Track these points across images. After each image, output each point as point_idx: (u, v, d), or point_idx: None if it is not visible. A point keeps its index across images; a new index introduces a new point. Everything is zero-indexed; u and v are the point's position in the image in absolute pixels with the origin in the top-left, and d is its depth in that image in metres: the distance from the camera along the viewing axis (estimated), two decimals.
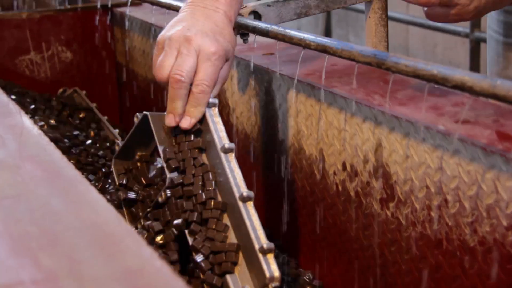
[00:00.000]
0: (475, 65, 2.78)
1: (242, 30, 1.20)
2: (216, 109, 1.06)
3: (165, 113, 1.07)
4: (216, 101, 1.07)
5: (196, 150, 1.05)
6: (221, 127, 1.04)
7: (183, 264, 1.00)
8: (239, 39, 1.21)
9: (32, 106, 1.73)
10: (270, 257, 0.90)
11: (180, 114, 1.05)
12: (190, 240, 0.98)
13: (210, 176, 1.02)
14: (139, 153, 1.17)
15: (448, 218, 0.92)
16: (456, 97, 1.02)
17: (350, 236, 1.11)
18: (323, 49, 1.02)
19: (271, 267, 0.89)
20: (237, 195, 0.96)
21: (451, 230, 0.92)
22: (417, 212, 0.97)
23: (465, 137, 0.88)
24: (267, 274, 0.89)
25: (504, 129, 0.89)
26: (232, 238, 0.97)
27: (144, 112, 1.12)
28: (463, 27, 2.79)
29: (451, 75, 0.80)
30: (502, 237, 0.84)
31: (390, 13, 1.33)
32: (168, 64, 1.04)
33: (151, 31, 1.74)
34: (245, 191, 0.96)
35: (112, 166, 1.18)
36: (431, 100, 1.01)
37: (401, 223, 1.00)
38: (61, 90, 1.87)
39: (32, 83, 1.89)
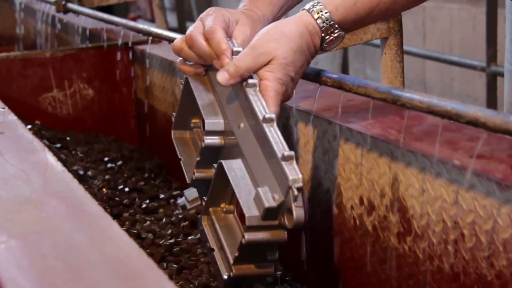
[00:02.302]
0: (492, 99, 2.79)
1: None
2: (257, 89, 1.03)
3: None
4: (256, 81, 1.02)
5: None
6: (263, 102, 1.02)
7: None
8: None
9: None
10: (292, 162, 0.93)
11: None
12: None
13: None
14: (193, 121, 1.18)
15: (465, 252, 0.93)
16: (471, 132, 1.04)
17: (367, 270, 1.12)
18: (339, 86, 1.04)
19: (293, 171, 0.92)
20: (260, 117, 0.98)
21: (468, 264, 0.92)
22: (434, 246, 0.98)
23: (480, 172, 0.89)
24: (290, 177, 0.91)
25: None
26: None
27: (186, 76, 1.13)
28: (480, 61, 2.81)
29: (465, 111, 0.82)
30: None
31: (406, 47, 1.36)
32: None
33: (170, 68, 1.78)
34: (267, 114, 0.97)
35: (173, 138, 1.20)
36: (446, 135, 1.03)
37: (419, 257, 1.01)
38: None
39: (54, 120, 1.93)
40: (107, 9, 2.74)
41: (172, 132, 1.19)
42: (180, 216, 1.48)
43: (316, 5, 1.01)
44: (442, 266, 0.97)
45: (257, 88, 0.99)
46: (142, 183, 1.67)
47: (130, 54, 1.98)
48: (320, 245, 1.25)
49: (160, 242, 1.36)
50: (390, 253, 1.06)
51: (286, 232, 0.98)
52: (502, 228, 0.87)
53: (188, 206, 1.56)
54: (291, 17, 1.02)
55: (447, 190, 0.95)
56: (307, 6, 1.03)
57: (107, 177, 1.68)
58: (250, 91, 0.99)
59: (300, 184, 0.91)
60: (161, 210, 1.53)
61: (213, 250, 1.06)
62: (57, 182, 0.95)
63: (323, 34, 1.01)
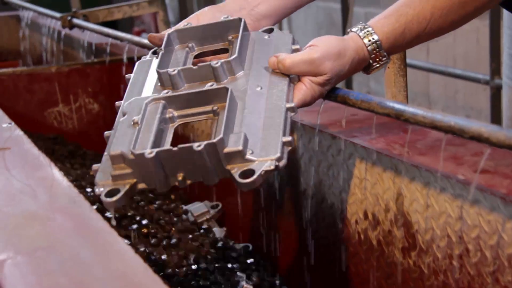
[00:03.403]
0: (496, 112, 2.79)
1: None
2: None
3: None
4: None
5: None
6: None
7: None
8: None
9: None
10: (287, 147, 0.93)
11: None
12: None
13: None
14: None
15: (470, 267, 0.93)
16: (475, 147, 1.04)
17: (372, 285, 1.12)
18: (343, 101, 1.05)
19: (279, 150, 0.91)
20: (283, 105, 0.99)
21: (473, 280, 0.92)
22: (439, 261, 0.98)
23: (484, 187, 0.90)
24: (277, 154, 0.90)
25: None
26: None
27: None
28: (483, 74, 2.81)
29: (468, 126, 0.82)
30: None
31: (410, 61, 1.37)
32: None
33: None
34: (290, 104, 0.99)
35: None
36: (450, 149, 1.03)
37: (423, 272, 1.01)
38: None
39: (59, 134, 1.94)
40: (112, 23, 2.76)
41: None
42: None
43: (367, 31, 1.02)
44: (447, 281, 0.97)
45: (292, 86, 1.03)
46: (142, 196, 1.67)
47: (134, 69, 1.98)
48: (324, 259, 1.25)
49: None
50: (395, 268, 1.06)
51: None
52: (507, 243, 0.87)
53: (194, 220, 1.56)
54: (349, 38, 1.03)
55: (452, 205, 0.95)
56: (355, 29, 1.04)
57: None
58: (290, 82, 1.02)
59: (270, 167, 0.88)
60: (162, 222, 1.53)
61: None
62: (63, 197, 0.96)
63: (371, 61, 1.04)
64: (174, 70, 1.03)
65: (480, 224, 0.91)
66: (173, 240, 1.42)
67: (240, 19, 1.10)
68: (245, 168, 0.89)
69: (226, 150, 0.89)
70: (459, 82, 3.20)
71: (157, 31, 5.58)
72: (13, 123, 1.35)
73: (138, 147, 0.95)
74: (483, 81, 2.85)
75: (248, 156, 0.89)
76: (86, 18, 2.21)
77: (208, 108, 0.99)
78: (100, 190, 0.95)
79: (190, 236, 1.46)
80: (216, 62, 1.02)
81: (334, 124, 1.24)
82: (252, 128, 0.94)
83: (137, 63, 1.15)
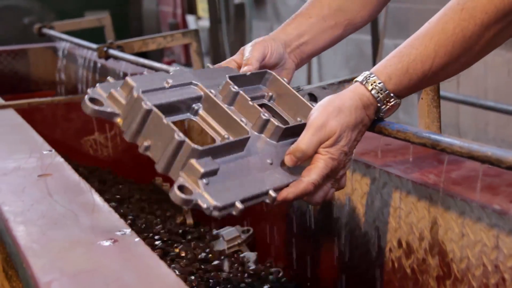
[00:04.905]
0: None
1: None
2: None
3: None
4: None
5: None
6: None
7: None
8: None
9: None
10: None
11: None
12: None
13: None
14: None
15: None
16: (510, 177, 1.05)
17: None
18: (379, 131, 1.06)
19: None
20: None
21: None
22: None
23: None
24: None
25: None
26: None
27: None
28: None
29: (506, 156, 0.83)
30: None
31: (441, 92, 1.37)
32: None
33: None
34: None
35: None
36: (486, 180, 1.04)
37: None
38: None
39: (95, 162, 1.98)
40: (143, 54, 2.81)
41: None
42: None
43: (369, 76, 1.02)
44: None
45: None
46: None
47: None
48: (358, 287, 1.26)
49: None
50: None
51: None
52: None
53: (226, 246, 1.58)
54: (345, 90, 1.04)
55: (488, 235, 0.96)
56: (359, 78, 1.04)
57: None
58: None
59: (202, 205, 0.90)
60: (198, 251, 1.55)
61: None
62: (105, 222, 0.98)
63: (379, 104, 1.03)
64: (236, 88, 1.06)
65: None
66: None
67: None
68: (188, 186, 0.91)
69: (192, 161, 0.91)
70: (489, 114, 3.19)
71: (186, 61, 5.66)
72: (53, 150, 1.39)
73: (149, 97, 0.97)
74: None
75: (200, 181, 0.91)
76: (121, 49, 2.26)
77: (223, 132, 1.03)
78: (90, 92, 0.97)
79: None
80: (265, 115, 1.04)
81: (369, 153, 1.25)
82: (232, 172, 0.96)
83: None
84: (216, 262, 1.49)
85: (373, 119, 1.04)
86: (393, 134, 1.03)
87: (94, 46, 2.34)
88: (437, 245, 1.05)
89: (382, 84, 1.02)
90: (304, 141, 1.00)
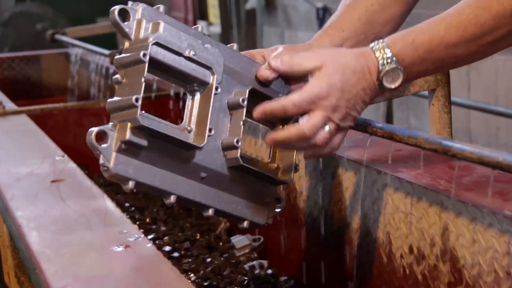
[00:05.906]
0: None
1: None
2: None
3: None
4: None
5: None
6: None
7: None
8: None
9: None
10: None
11: None
12: None
13: None
14: None
15: None
16: None
17: None
18: (390, 136, 1.06)
19: None
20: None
21: None
22: None
23: None
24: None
25: None
26: None
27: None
28: None
29: None
30: None
31: (451, 98, 1.37)
32: None
33: None
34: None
35: None
36: (497, 185, 1.04)
37: None
38: None
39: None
40: None
41: None
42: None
43: (377, 42, 1.02)
44: None
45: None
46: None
47: (181, 103, 2.03)
48: None
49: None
50: None
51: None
52: None
53: (237, 254, 1.59)
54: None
55: (499, 241, 0.96)
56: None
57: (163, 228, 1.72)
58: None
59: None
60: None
61: None
62: (117, 227, 0.99)
63: (380, 66, 1.00)
64: (244, 104, 1.07)
65: None
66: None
67: None
68: (108, 137, 0.93)
69: (129, 124, 0.93)
70: (501, 120, 3.18)
71: None
72: (66, 155, 1.40)
73: (161, 51, 0.98)
74: None
75: (120, 142, 0.93)
76: None
77: (192, 125, 1.03)
78: (130, 3, 0.98)
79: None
80: (237, 141, 1.04)
81: (379, 159, 1.25)
82: (162, 162, 0.97)
83: None
84: (228, 271, 1.50)
85: (377, 84, 1.02)
86: (404, 140, 1.03)
87: (106, 52, 2.35)
88: (448, 251, 1.05)
89: (384, 43, 1.01)
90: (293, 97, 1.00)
